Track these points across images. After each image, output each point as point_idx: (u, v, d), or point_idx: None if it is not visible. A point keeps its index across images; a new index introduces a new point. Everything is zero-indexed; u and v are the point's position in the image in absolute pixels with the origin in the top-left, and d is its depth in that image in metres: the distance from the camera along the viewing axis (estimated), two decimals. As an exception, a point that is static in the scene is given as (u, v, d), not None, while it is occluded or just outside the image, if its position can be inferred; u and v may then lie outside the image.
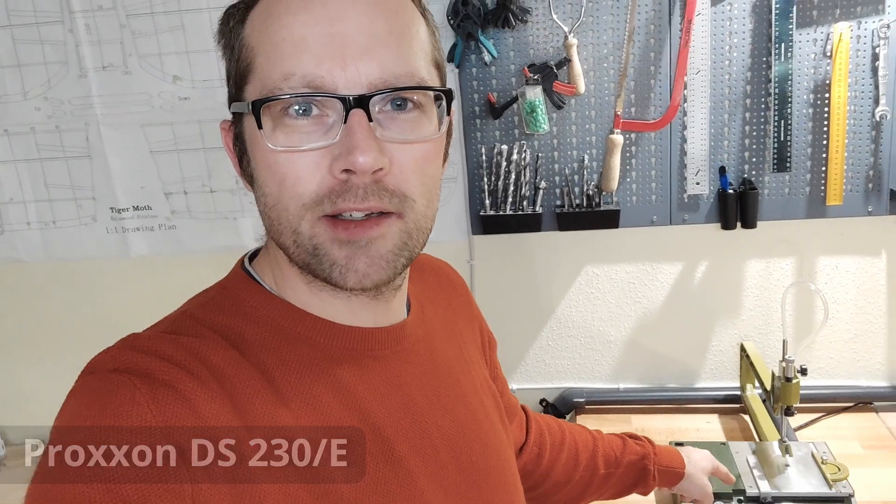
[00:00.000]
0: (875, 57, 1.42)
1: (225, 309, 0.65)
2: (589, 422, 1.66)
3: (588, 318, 1.69)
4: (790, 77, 1.44)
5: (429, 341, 0.75)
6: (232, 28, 0.63)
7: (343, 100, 0.57)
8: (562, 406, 1.71)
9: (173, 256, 1.71)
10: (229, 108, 0.65)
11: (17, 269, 1.77)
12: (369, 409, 0.64)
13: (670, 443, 1.38)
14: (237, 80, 0.62)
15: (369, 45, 0.58)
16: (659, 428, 1.61)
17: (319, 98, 0.58)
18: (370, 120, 0.57)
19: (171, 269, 1.73)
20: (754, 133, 1.50)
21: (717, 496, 1.22)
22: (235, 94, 0.63)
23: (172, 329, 0.62)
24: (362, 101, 0.57)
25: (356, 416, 0.63)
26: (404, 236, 0.61)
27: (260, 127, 0.58)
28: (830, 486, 1.22)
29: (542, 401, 1.73)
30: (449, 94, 0.63)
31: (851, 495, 1.20)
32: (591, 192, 1.55)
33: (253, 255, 0.72)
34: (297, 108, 0.58)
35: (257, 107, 0.58)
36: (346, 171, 0.57)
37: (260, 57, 0.59)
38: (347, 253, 0.60)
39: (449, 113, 0.64)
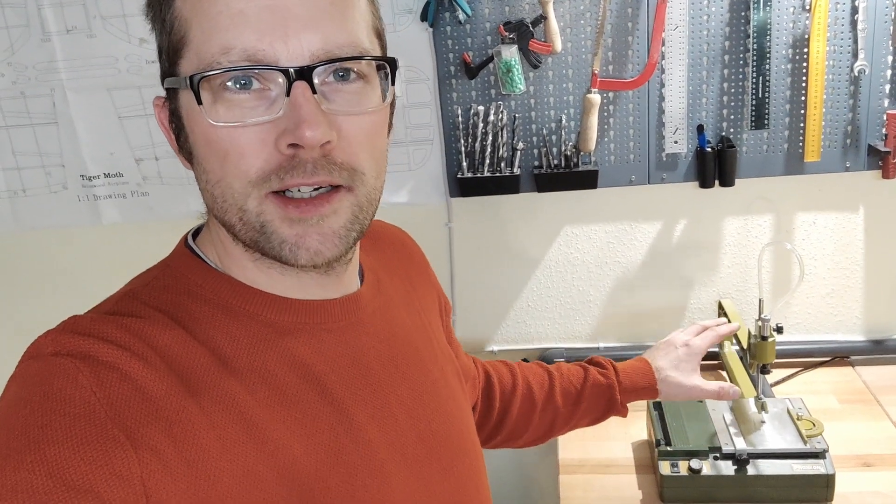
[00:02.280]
0: (854, 10, 1.40)
1: (169, 287, 0.64)
2: (569, 381, 1.67)
3: (567, 278, 1.69)
4: (769, 31, 1.42)
5: (385, 311, 0.74)
6: (162, 0, 0.60)
7: (285, 72, 0.55)
8: (542, 366, 1.72)
9: (145, 223, 1.68)
10: (162, 83, 0.62)
11: (-12, 239, 1.74)
12: (327, 381, 0.64)
13: (648, 402, 1.40)
14: (170, 54, 0.60)
15: (311, 17, 0.56)
16: (638, 386, 1.62)
17: (260, 71, 0.56)
18: (314, 92, 0.56)
19: (143, 235, 1.70)
20: (732, 90, 1.48)
21: (693, 453, 1.23)
22: (168, 69, 0.61)
23: (115, 310, 0.61)
24: (305, 73, 0.55)
25: (314, 389, 0.63)
26: (355, 209, 0.61)
27: (200, 102, 0.56)
28: (805, 442, 1.23)
29: (522, 361, 1.73)
30: (392, 63, 0.62)
31: (826, 450, 1.22)
32: (569, 153, 1.53)
33: (196, 232, 0.70)
34: (236, 82, 0.56)
35: (196, 81, 0.56)
36: (293, 145, 0.56)
37: (195, 30, 0.57)
38: (298, 231, 0.59)
39: (393, 83, 0.62)
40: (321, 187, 0.58)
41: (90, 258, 1.75)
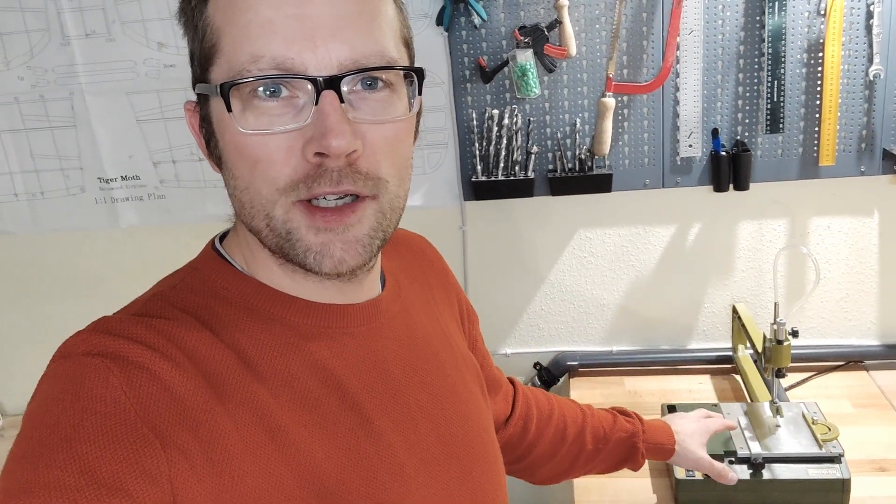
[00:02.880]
0: (869, 15, 1.40)
1: (196, 290, 0.64)
2: (582, 385, 1.68)
3: (581, 281, 1.70)
4: (784, 36, 1.42)
5: (405, 316, 0.75)
6: (195, 6, 0.61)
7: (314, 81, 0.56)
8: (555, 369, 1.72)
9: (162, 226, 1.70)
10: (193, 88, 0.64)
11: (6, 240, 1.76)
12: (348, 386, 0.65)
13: (663, 406, 1.40)
14: (202, 60, 0.61)
15: (338, 26, 0.57)
16: (652, 389, 1.63)
17: (289, 80, 0.57)
18: (341, 101, 0.57)
19: (160, 238, 1.72)
20: (747, 94, 1.48)
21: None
22: (200, 74, 0.62)
23: (144, 311, 0.61)
24: (333, 82, 0.56)
25: (335, 393, 0.63)
26: (379, 217, 0.62)
27: (229, 110, 0.57)
28: (821, 447, 1.23)
29: (535, 364, 1.74)
30: (420, 73, 0.62)
31: (841, 455, 1.22)
32: (583, 157, 1.53)
33: (223, 236, 0.71)
34: (265, 90, 0.57)
35: (226, 89, 0.57)
36: (319, 154, 0.56)
37: (226, 38, 0.58)
38: (323, 239, 0.60)
39: (420, 92, 0.63)
40: (345, 196, 0.59)
41: (108, 260, 1.77)
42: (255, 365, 0.61)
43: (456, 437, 0.73)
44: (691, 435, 1.12)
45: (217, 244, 0.70)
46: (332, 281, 0.66)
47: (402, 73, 0.61)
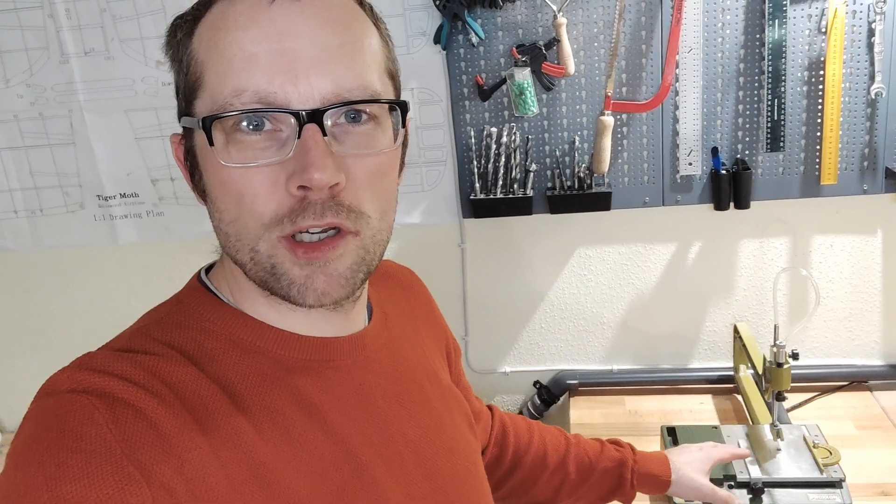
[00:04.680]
0: (871, 32, 1.38)
1: (181, 324, 0.64)
2: (582, 403, 1.66)
3: (581, 300, 1.68)
4: (784, 54, 1.41)
5: (392, 349, 0.74)
6: (180, 40, 0.61)
7: (296, 114, 0.56)
8: (555, 388, 1.71)
9: (161, 242, 1.70)
10: (179, 121, 0.63)
11: (5, 257, 1.76)
12: (332, 420, 0.64)
13: (662, 428, 1.38)
14: (186, 93, 0.61)
15: (320, 60, 0.56)
16: (652, 409, 1.61)
17: (272, 113, 0.56)
18: (324, 134, 0.56)
19: (158, 255, 1.72)
20: (747, 112, 1.47)
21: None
22: (185, 108, 0.62)
23: (128, 347, 0.61)
24: (315, 116, 0.56)
25: (319, 427, 0.63)
26: (361, 252, 0.61)
27: (211, 144, 0.57)
28: (822, 471, 1.21)
29: (535, 383, 1.73)
30: (403, 106, 0.62)
31: (842, 480, 1.20)
32: (582, 175, 1.52)
33: (210, 268, 0.71)
34: (248, 123, 0.57)
35: (208, 123, 0.57)
36: (302, 187, 0.56)
37: (210, 72, 0.58)
38: (307, 272, 0.59)
39: (404, 125, 0.63)
40: (328, 230, 0.59)
41: (107, 277, 1.77)
42: (240, 399, 0.60)
43: (442, 470, 0.72)
44: (690, 463, 1.09)
45: (203, 276, 0.70)
46: (319, 311, 0.65)
47: (386, 105, 0.61)
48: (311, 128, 0.56)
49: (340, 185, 0.57)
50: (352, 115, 0.59)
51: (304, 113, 0.56)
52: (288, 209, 0.57)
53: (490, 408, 1.04)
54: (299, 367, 0.65)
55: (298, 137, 0.56)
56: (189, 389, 0.58)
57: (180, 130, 0.65)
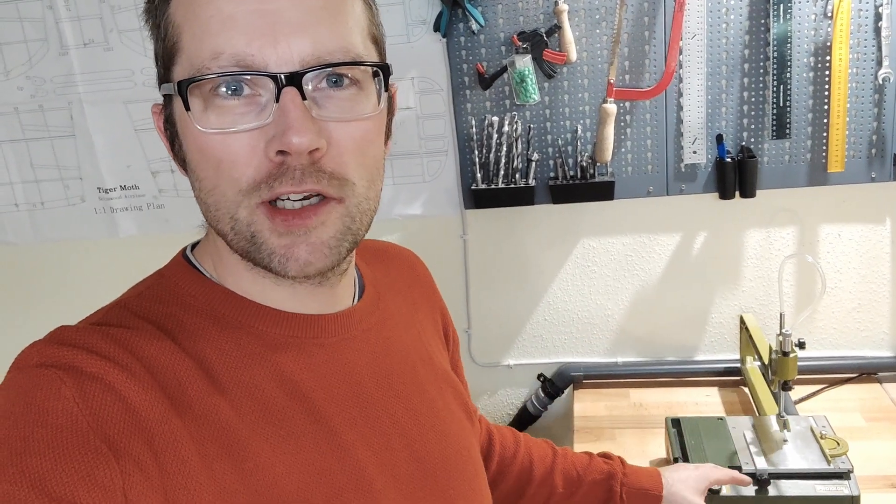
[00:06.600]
0: (878, 17, 1.36)
1: (161, 298, 0.63)
2: (587, 396, 1.64)
3: (584, 291, 1.66)
4: (789, 39, 1.39)
5: (382, 328, 0.72)
6: (157, 5, 0.59)
7: (274, 77, 0.54)
8: (559, 381, 1.69)
9: (161, 235, 1.69)
10: (159, 89, 0.62)
11: (6, 250, 1.75)
12: (314, 398, 0.62)
13: (667, 419, 1.36)
14: (164, 60, 0.59)
15: (301, 22, 0.55)
16: (657, 402, 1.59)
17: (250, 77, 0.55)
18: (304, 98, 0.55)
19: (159, 248, 1.71)
20: (752, 99, 1.44)
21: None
22: (164, 74, 0.60)
23: (104, 320, 0.60)
24: (294, 79, 0.54)
25: (300, 405, 0.61)
26: (346, 220, 0.59)
27: (188, 108, 0.56)
28: (829, 462, 1.19)
29: (539, 376, 1.71)
30: (386, 69, 0.60)
31: (850, 471, 1.17)
32: (584, 164, 1.50)
33: (196, 244, 0.70)
34: (227, 87, 0.55)
35: (184, 87, 0.55)
36: (281, 152, 0.55)
37: (186, 35, 0.56)
38: (287, 242, 0.58)
39: (387, 88, 0.61)
40: (310, 197, 0.57)
41: (107, 270, 1.76)
42: (217, 376, 0.59)
43: (432, 454, 0.70)
44: (684, 481, 1.05)
45: (188, 252, 0.68)
46: (304, 285, 0.64)
47: (370, 70, 0.59)
48: (289, 91, 0.54)
49: (321, 150, 0.56)
50: (333, 79, 0.57)
51: (282, 76, 0.54)
52: (266, 174, 0.56)
53: (479, 418, 1.02)
54: (281, 344, 0.63)
55: (277, 101, 0.55)
56: (162, 364, 0.57)
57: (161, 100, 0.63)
